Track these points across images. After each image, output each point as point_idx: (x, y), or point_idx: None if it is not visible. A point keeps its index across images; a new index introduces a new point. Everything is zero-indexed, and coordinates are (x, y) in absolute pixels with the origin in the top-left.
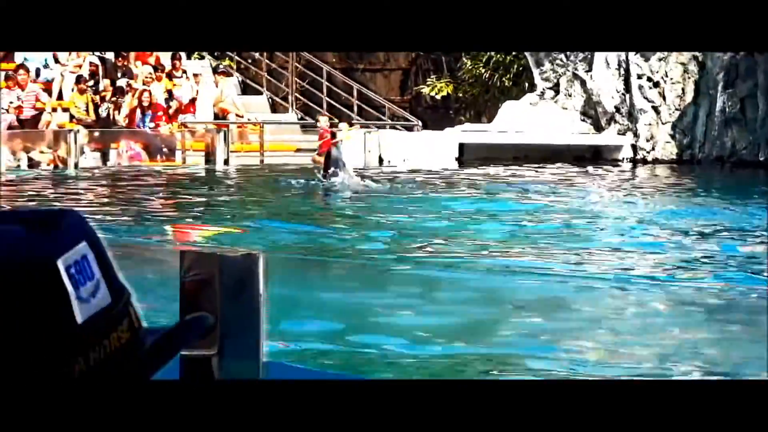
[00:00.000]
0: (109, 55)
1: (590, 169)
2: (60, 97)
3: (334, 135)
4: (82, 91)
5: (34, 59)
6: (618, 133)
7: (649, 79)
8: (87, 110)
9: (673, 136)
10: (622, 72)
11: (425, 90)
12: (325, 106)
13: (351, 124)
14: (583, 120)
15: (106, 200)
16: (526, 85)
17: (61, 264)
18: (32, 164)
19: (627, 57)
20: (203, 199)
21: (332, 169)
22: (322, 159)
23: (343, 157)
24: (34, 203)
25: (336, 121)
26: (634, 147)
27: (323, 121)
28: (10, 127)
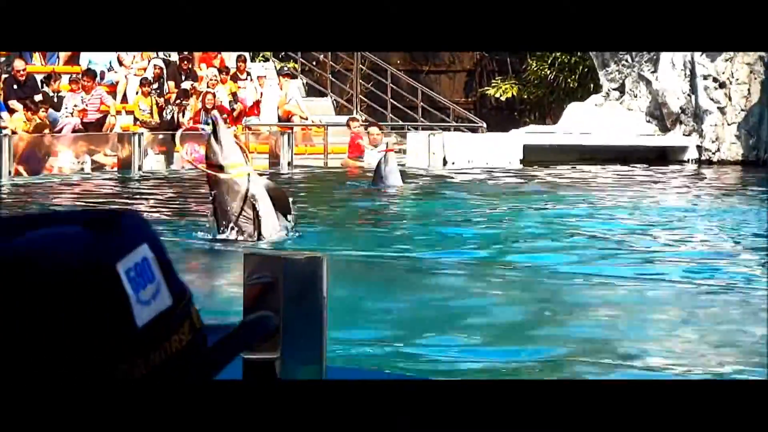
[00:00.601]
0: (174, 57)
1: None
2: (124, 100)
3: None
4: (146, 94)
5: (98, 63)
6: (683, 134)
7: (715, 80)
8: (151, 113)
9: (738, 137)
10: (688, 73)
11: (490, 91)
12: (389, 107)
13: (381, 128)
14: (649, 121)
15: (168, 202)
16: (591, 86)
17: (121, 268)
18: (96, 167)
19: (692, 58)
20: None
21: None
22: (353, 163)
23: (393, 172)
24: (96, 206)
25: (365, 124)
26: (699, 148)
27: (355, 125)
28: (74, 131)
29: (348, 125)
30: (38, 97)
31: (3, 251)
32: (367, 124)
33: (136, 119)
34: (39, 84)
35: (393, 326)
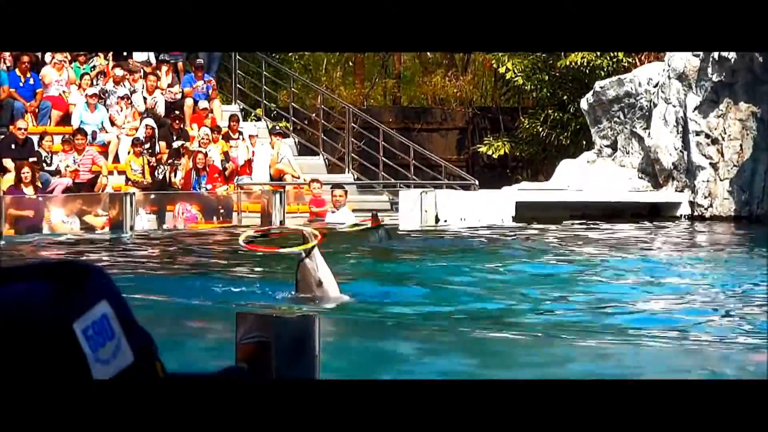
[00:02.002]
0: (164, 110)
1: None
2: (116, 160)
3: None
4: (138, 154)
5: (89, 123)
6: (676, 190)
7: (707, 136)
8: (143, 173)
9: (731, 193)
10: (680, 129)
11: (482, 149)
12: (381, 166)
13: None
14: (641, 177)
15: (160, 262)
16: (584, 143)
17: (77, 327)
18: (87, 227)
19: (685, 114)
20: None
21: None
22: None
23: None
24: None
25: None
26: (692, 204)
27: (315, 186)
28: (66, 191)
29: (310, 186)
30: (32, 159)
31: None
32: (331, 185)
33: (127, 179)
34: (35, 146)
35: None
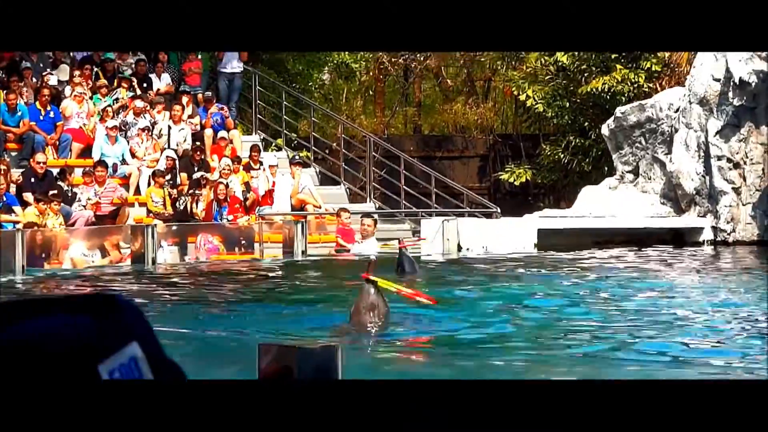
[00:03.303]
0: (191, 140)
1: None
2: (137, 191)
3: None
4: (159, 185)
5: (110, 155)
6: (698, 216)
7: (729, 160)
8: (164, 204)
9: (754, 217)
10: (702, 154)
11: (504, 176)
12: (402, 194)
13: (375, 221)
14: (663, 203)
15: (183, 295)
16: (606, 169)
17: (103, 369)
18: (110, 259)
19: (707, 139)
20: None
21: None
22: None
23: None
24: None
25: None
26: (714, 229)
27: (345, 216)
28: (87, 224)
29: (338, 215)
30: (53, 192)
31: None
32: (361, 214)
33: (149, 211)
34: (55, 178)
35: None
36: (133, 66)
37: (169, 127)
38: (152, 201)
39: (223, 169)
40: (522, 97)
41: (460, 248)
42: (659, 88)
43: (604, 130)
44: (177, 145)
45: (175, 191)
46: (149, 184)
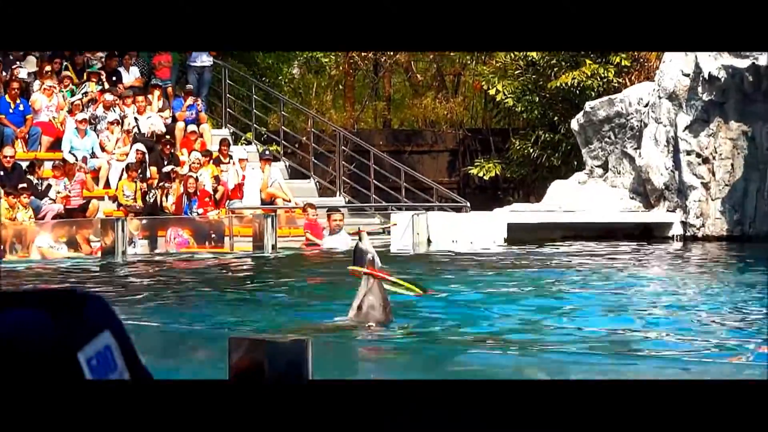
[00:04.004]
0: (163, 129)
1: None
2: (107, 185)
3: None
4: (132, 179)
5: (79, 148)
6: (667, 210)
7: (698, 155)
8: (134, 198)
9: (723, 212)
10: (671, 149)
11: (473, 171)
12: (372, 189)
13: (343, 215)
14: (633, 198)
15: (152, 288)
16: (575, 163)
17: (82, 357)
18: (78, 253)
19: (676, 134)
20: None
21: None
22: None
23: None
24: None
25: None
26: (683, 224)
27: (311, 212)
28: (57, 217)
29: (305, 210)
30: (22, 185)
31: None
32: (327, 208)
33: (120, 204)
34: (24, 172)
35: None
36: (103, 60)
37: (136, 119)
38: (123, 194)
39: (193, 162)
40: (492, 92)
41: (429, 242)
42: (628, 83)
43: (574, 124)
44: (144, 135)
45: (144, 184)
46: (120, 178)
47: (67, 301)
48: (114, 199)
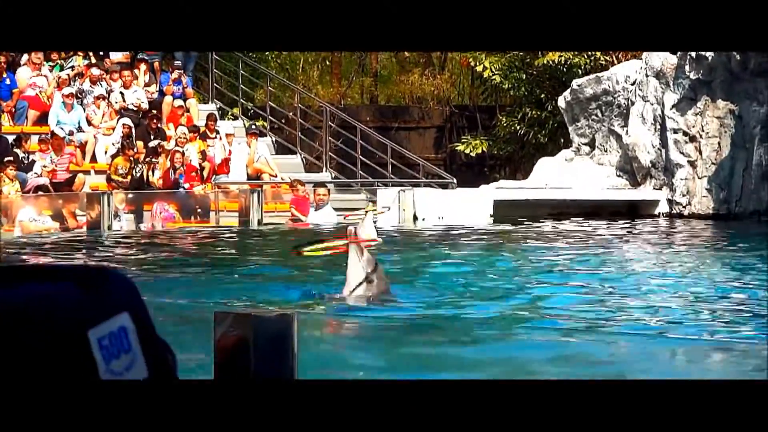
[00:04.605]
0: (147, 105)
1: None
2: (93, 159)
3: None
4: (127, 157)
5: (66, 122)
6: (654, 188)
7: (685, 134)
8: (125, 174)
9: (709, 191)
10: (658, 127)
11: (460, 147)
12: (359, 164)
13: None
14: (619, 175)
15: (138, 262)
16: (562, 141)
17: (92, 335)
18: (65, 226)
19: (663, 112)
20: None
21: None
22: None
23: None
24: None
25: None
26: (670, 202)
27: (301, 189)
28: (43, 189)
29: (293, 186)
30: (8, 158)
31: None
32: (314, 184)
33: (110, 179)
34: (10, 145)
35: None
36: None
37: (122, 93)
38: (117, 171)
39: (180, 137)
40: (479, 69)
41: (416, 218)
42: (616, 61)
43: (561, 102)
44: (131, 109)
45: (131, 159)
46: (106, 152)
47: (94, 278)
48: (102, 173)
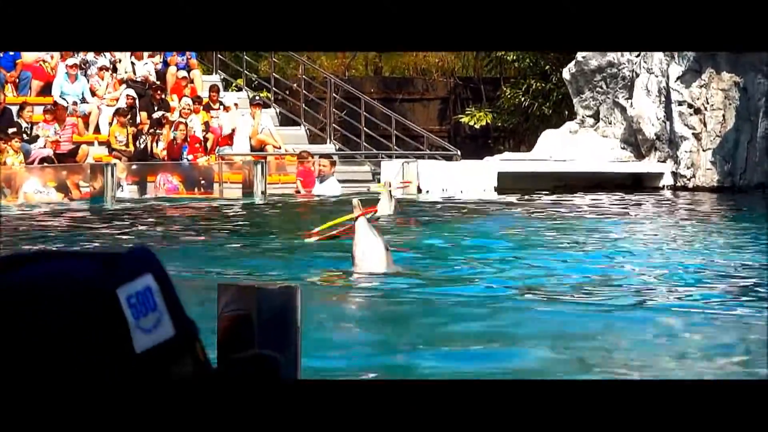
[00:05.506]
0: (147, 78)
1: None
2: (97, 130)
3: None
4: (122, 125)
5: (70, 93)
6: (658, 161)
7: (690, 106)
8: (126, 143)
9: (714, 163)
10: (663, 99)
11: (464, 119)
12: (363, 136)
13: (333, 162)
14: (624, 148)
15: (141, 232)
16: (566, 113)
17: (121, 294)
18: (69, 197)
19: (668, 84)
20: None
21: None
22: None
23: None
24: (67, 235)
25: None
26: (674, 174)
27: (310, 162)
28: (47, 160)
29: (301, 157)
30: (12, 129)
31: (13, 278)
32: (319, 155)
33: (111, 149)
34: (14, 116)
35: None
36: None
37: (133, 63)
38: (116, 139)
39: (184, 108)
40: None
41: (420, 190)
42: None
43: (566, 74)
44: (136, 80)
45: (135, 129)
46: (110, 123)
47: (112, 252)
48: (106, 144)
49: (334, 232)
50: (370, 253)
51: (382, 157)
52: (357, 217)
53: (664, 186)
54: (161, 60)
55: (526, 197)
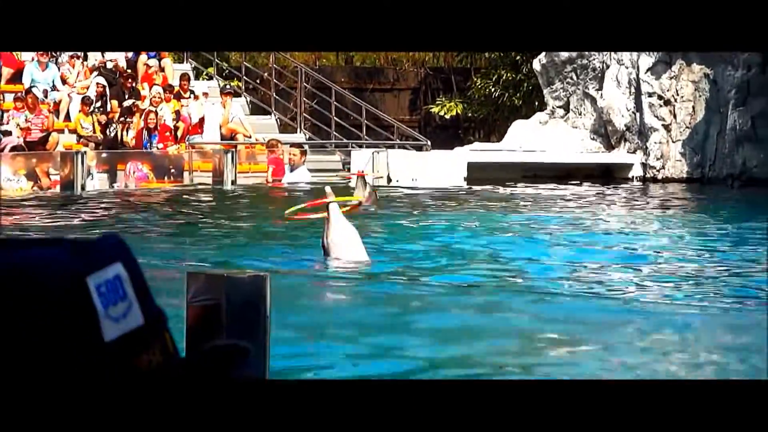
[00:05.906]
0: (117, 64)
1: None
2: (67, 118)
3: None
4: (86, 113)
5: (41, 81)
6: (628, 152)
7: (660, 98)
8: (94, 130)
9: (683, 155)
10: (633, 90)
11: (434, 109)
12: (333, 126)
13: (304, 151)
14: (594, 138)
15: (111, 220)
16: (536, 103)
17: (91, 282)
18: (39, 186)
19: (638, 75)
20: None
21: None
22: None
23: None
24: (37, 224)
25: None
26: (644, 165)
27: (277, 149)
28: (16, 149)
29: (270, 147)
30: None
31: None
32: (289, 144)
33: (79, 137)
34: None
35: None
36: None
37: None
38: (82, 127)
39: (154, 97)
40: None
41: (389, 180)
42: None
43: (536, 64)
44: (111, 67)
45: (105, 118)
46: (78, 111)
47: (82, 240)
48: (74, 131)
49: (315, 215)
50: (344, 242)
51: (353, 147)
52: (329, 203)
53: (633, 177)
54: None
55: (495, 187)
